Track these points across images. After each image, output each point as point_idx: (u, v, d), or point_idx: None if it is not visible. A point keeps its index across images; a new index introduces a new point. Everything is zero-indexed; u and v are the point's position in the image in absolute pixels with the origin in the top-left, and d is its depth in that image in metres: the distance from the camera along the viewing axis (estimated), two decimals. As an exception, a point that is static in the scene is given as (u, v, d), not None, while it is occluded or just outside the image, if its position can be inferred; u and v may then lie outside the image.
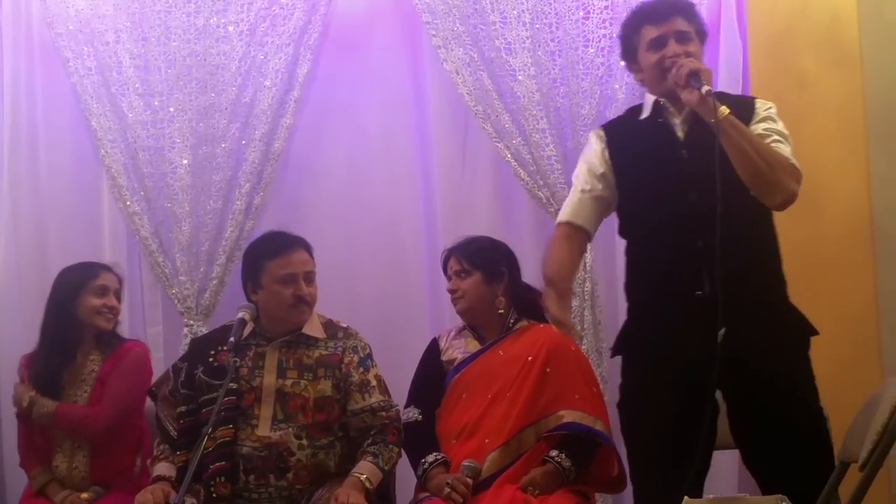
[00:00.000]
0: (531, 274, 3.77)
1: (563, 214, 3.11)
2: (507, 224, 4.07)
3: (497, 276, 3.49)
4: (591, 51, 3.99)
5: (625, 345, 3.02)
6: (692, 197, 2.86)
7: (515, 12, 4.02)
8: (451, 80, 4.06)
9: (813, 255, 3.92)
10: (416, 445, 3.33)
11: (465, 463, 3.20)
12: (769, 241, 2.95)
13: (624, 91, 3.95)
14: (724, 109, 2.76)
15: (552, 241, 3.09)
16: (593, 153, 3.07)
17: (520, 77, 4.01)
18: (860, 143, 4.02)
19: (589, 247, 3.90)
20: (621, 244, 4.07)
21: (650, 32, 2.96)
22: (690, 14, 3.00)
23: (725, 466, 3.76)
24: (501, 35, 4.03)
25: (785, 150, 2.85)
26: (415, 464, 3.32)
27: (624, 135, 3.07)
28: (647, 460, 2.89)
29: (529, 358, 3.36)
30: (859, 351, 3.93)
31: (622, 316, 3.94)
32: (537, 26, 4.02)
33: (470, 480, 3.16)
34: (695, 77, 2.80)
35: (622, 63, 3.18)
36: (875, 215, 3.98)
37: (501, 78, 4.03)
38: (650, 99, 3.03)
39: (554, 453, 3.23)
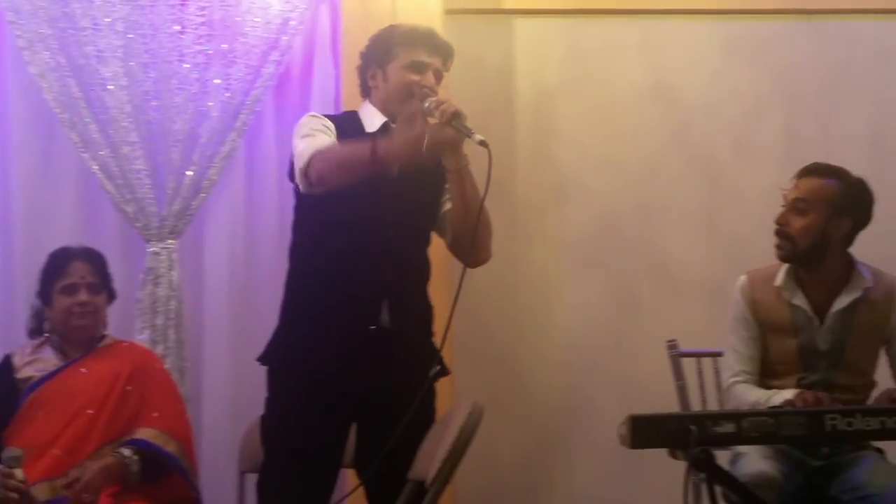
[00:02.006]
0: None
1: (322, 141, 2.84)
2: (92, 235, 3.88)
3: (113, 295, 3.45)
4: (187, 66, 3.92)
5: (277, 357, 2.93)
6: (390, 233, 2.87)
7: (108, 20, 3.87)
8: (36, 84, 3.86)
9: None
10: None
11: (5, 453, 2.99)
12: (428, 281, 3.00)
13: (218, 109, 3.91)
14: (468, 159, 2.80)
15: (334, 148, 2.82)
16: (327, 127, 2.89)
17: (110, 87, 3.86)
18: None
19: (176, 264, 3.86)
20: (210, 263, 4.04)
21: (419, 54, 2.91)
22: (448, 64, 2.99)
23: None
24: (92, 42, 3.86)
25: None
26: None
27: (349, 138, 2.88)
28: (281, 474, 2.87)
29: (113, 375, 3.29)
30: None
31: (207, 334, 3.95)
32: (130, 36, 3.88)
33: (18, 471, 2.95)
34: (457, 119, 2.74)
35: (359, 62, 3.01)
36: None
37: (90, 86, 3.86)
38: (378, 116, 2.94)
39: (126, 451, 3.16)
